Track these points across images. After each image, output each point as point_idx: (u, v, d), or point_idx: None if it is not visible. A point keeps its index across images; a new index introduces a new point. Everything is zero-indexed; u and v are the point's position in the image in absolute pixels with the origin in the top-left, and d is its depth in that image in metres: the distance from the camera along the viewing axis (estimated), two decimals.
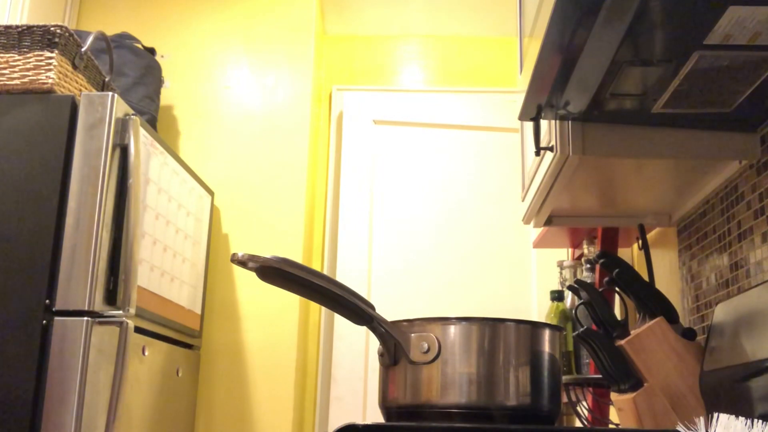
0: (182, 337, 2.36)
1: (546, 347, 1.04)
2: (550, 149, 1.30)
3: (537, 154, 1.33)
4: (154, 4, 2.92)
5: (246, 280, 2.65)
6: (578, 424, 1.74)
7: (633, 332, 1.27)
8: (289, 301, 2.63)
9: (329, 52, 3.32)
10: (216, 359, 2.61)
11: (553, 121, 1.28)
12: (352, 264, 2.98)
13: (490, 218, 3.05)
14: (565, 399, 1.64)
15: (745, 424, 0.72)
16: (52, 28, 1.86)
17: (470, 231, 3.05)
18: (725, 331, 1.16)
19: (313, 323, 3.00)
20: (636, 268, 1.54)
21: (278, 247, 2.68)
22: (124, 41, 2.50)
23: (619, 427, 1.38)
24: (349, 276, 2.93)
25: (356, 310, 1.02)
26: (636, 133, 1.27)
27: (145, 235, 2.02)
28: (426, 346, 1.01)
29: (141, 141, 1.96)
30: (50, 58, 1.83)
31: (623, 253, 1.99)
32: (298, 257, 2.67)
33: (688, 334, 1.29)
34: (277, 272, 0.97)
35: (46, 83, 1.82)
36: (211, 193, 2.64)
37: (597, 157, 1.31)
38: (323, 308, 2.97)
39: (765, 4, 0.89)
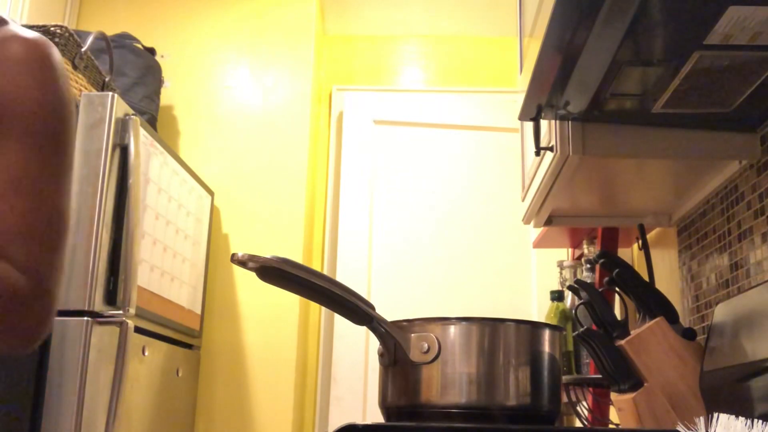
0: (182, 337, 2.36)
1: (546, 347, 1.04)
2: (550, 149, 1.30)
3: (537, 154, 1.33)
4: (154, 4, 2.92)
5: (246, 280, 2.65)
6: (578, 424, 1.74)
7: (633, 332, 1.27)
8: (289, 301, 2.63)
9: (329, 52, 3.32)
10: (216, 359, 2.61)
11: (553, 121, 1.28)
12: (352, 264, 2.98)
13: (490, 218, 3.05)
14: (565, 399, 1.64)
15: (745, 424, 0.72)
16: (52, 28, 1.86)
17: (470, 231, 3.05)
18: (725, 331, 1.16)
19: (313, 323, 3.00)
20: (636, 268, 1.54)
21: (278, 247, 2.68)
22: (124, 41, 2.50)
23: (619, 427, 1.38)
24: (349, 276, 2.93)
25: (356, 310, 1.02)
26: (636, 133, 1.27)
27: (145, 235, 2.02)
28: (426, 346, 1.00)
29: (141, 141, 1.96)
30: None
31: (623, 253, 1.99)
32: (298, 257, 2.67)
33: (688, 334, 1.29)
34: (277, 272, 0.97)
35: None
36: (211, 193, 2.64)
37: (597, 157, 1.31)
38: (323, 308, 2.97)
39: (765, 4, 0.89)
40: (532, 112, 1.23)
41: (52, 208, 0.87)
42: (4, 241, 0.83)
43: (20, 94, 0.87)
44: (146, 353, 2.05)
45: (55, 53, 0.93)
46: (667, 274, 1.76)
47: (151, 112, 2.48)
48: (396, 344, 1.02)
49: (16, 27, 0.92)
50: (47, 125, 0.88)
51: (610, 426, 1.63)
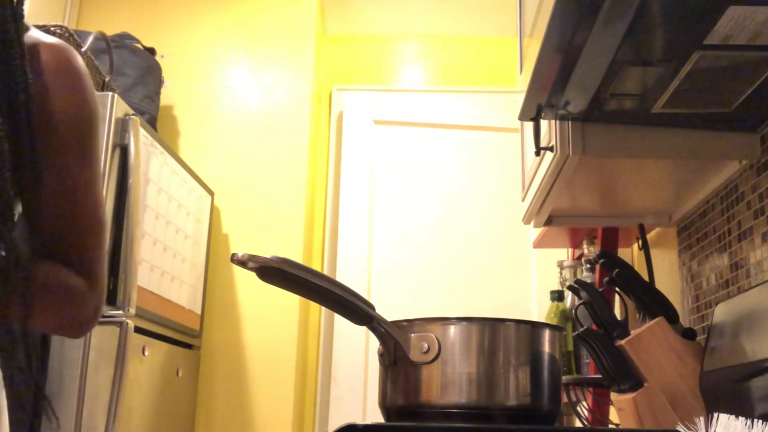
0: (182, 337, 2.36)
1: (546, 347, 1.04)
2: (550, 149, 1.30)
3: (537, 154, 1.33)
4: (154, 4, 2.92)
5: (246, 280, 2.65)
6: (578, 424, 1.74)
7: (633, 332, 1.27)
8: (289, 301, 2.63)
9: (329, 52, 3.32)
10: (216, 359, 2.61)
11: (553, 121, 1.28)
12: (352, 264, 2.98)
13: (490, 218, 3.05)
14: (565, 399, 1.64)
15: (745, 424, 0.72)
16: (52, 28, 1.86)
17: (470, 231, 3.05)
18: (725, 331, 1.16)
19: (313, 323, 3.00)
20: (636, 268, 1.54)
21: (278, 247, 2.68)
22: (124, 41, 2.50)
23: (619, 427, 1.38)
24: (349, 276, 2.93)
25: (356, 310, 1.02)
26: (636, 133, 1.27)
27: (145, 235, 2.02)
28: (426, 346, 1.00)
29: (141, 141, 1.96)
30: None
31: (623, 253, 1.99)
32: (298, 257, 2.67)
33: (688, 334, 1.29)
34: (277, 272, 0.97)
35: None
36: (211, 193, 2.64)
37: (597, 157, 1.31)
38: (323, 308, 2.97)
39: (765, 4, 0.89)
40: (532, 112, 1.23)
41: (98, 208, 0.96)
42: (66, 247, 0.92)
43: (60, 103, 0.92)
44: (146, 353, 2.05)
45: (79, 57, 0.98)
46: (667, 274, 1.76)
47: (151, 112, 2.48)
48: (396, 344, 1.02)
49: (38, 33, 0.96)
50: (86, 130, 0.95)
51: (610, 426, 1.63)
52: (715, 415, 0.74)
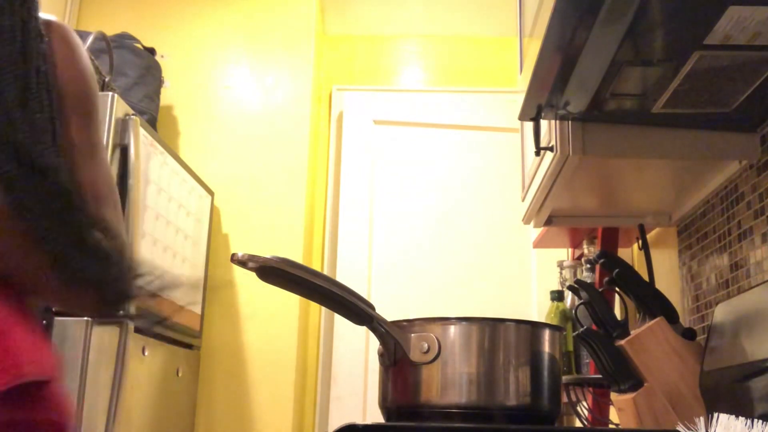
0: (182, 337, 2.36)
1: (546, 347, 1.04)
2: (550, 149, 1.30)
3: (537, 154, 1.33)
4: (154, 4, 2.92)
5: (246, 280, 2.65)
6: (578, 424, 1.74)
7: (633, 332, 1.27)
8: (289, 301, 2.63)
9: (329, 52, 3.32)
10: (216, 359, 2.61)
11: (553, 121, 1.28)
12: (352, 264, 2.98)
13: (490, 218, 3.05)
14: (565, 399, 1.64)
15: (745, 424, 0.72)
16: None
17: (470, 231, 3.05)
18: (725, 331, 1.16)
19: (313, 323, 3.00)
20: (636, 268, 1.54)
21: (278, 247, 2.68)
22: (124, 41, 2.50)
23: (619, 427, 1.38)
24: (349, 276, 2.93)
25: (356, 310, 1.02)
26: (636, 133, 1.27)
27: (145, 235, 2.02)
28: (426, 346, 1.01)
29: (141, 141, 1.96)
30: None
31: (623, 253, 1.99)
32: (298, 257, 2.67)
33: (688, 334, 1.29)
34: (277, 272, 0.97)
35: None
36: (211, 193, 2.64)
37: (597, 157, 1.31)
38: (323, 308, 2.97)
39: (765, 4, 0.89)
40: (532, 112, 1.23)
41: (111, 174, 0.93)
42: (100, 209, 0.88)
43: (68, 70, 0.92)
44: (146, 353, 2.05)
45: (75, 33, 0.99)
46: (667, 274, 1.75)
47: (151, 112, 2.48)
48: (396, 344, 1.03)
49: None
50: (92, 97, 0.94)
51: (610, 426, 1.63)
52: (715, 415, 0.74)
